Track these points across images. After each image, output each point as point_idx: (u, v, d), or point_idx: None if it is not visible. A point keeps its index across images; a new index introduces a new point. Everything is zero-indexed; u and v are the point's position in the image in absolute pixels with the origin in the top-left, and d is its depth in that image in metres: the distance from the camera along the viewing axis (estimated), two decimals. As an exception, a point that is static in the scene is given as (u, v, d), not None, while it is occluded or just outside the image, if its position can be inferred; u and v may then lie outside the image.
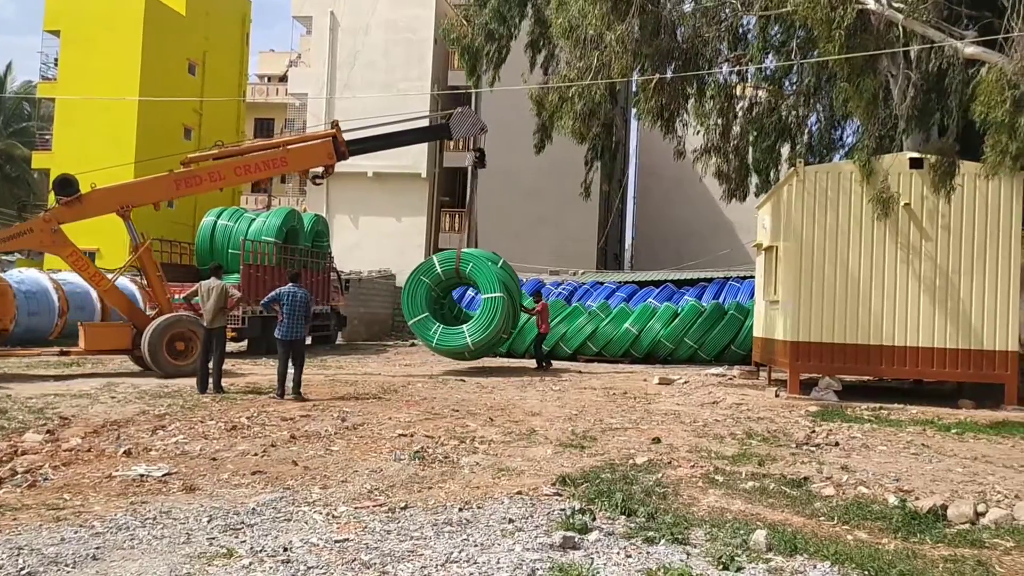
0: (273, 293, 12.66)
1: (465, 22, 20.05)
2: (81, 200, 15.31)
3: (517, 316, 19.04)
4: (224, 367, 13.20)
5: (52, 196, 16.01)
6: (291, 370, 12.34)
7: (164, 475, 7.01)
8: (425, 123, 21.14)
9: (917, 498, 6.62)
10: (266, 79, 53.27)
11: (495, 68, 20.01)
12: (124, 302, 16.30)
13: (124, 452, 7.91)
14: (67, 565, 4.69)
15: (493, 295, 17.41)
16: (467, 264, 17.99)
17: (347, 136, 17.22)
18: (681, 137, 18.05)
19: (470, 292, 23.86)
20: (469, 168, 18.26)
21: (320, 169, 17.27)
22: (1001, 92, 10.68)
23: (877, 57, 12.65)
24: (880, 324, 13.51)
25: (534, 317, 19.28)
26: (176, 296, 17.98)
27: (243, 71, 49.43)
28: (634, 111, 19.91)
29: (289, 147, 16.96)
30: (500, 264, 18.91)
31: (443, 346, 17.90)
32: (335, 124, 17.17)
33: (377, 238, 34.31)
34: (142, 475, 6.98)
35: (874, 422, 11.07)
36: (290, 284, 12.57)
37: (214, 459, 7.77)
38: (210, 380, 12.60)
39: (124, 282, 22.54)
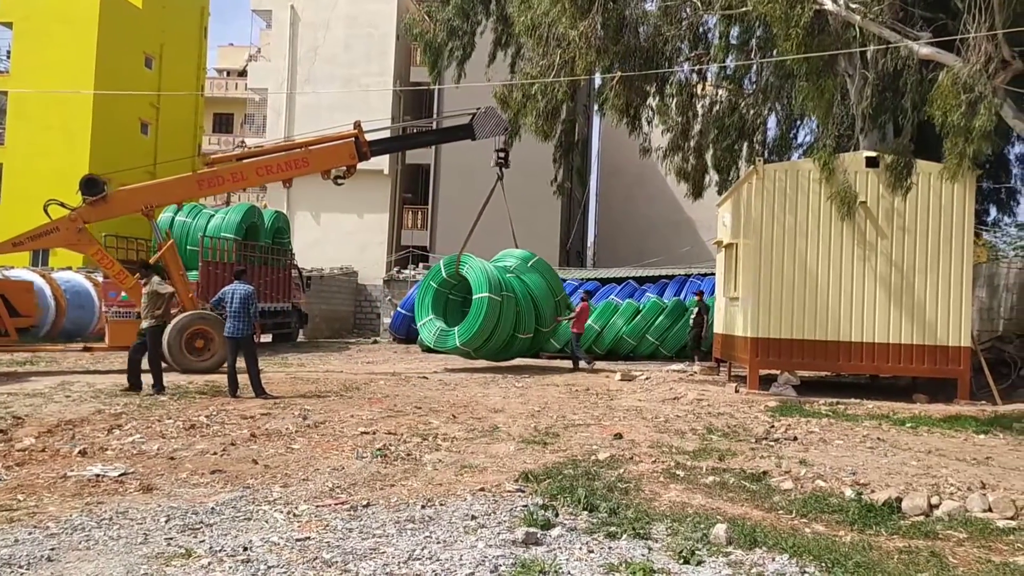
0: (219, 294, 12.65)
1: (427, 17, 19.97)
2: (106, 200, 15.67)
3: (540, 315, 18.79)
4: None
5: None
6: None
7: (120, 475, 6.89)
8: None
9: (873, 491, 6.74)
10: (225, 73, 52.60)
11: (459, 65, 19.96)
12: None
13: (79, 452, 7.77)
14: (21, 567, 4.59)
15: (480, 295, 17.36)
16: (464, 266, 18.05)
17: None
18: (647, 134, 18.16)
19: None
20: (495, 169, 18.18)
21: (342, 169, 17.26)
22: (957, 96, 10.88)
23: (835, 57, 12.83)
24: (837, 320, 13.73)
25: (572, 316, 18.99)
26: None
27: (201, 65, 48.72)
28: (596, 108, 19.99)
29: (311, 148, 17.01)
30: (531, 263, 18.96)
31: (439, 347, 18.10)
32: (357, 124, 17.20)
33: (339, 235, 34.05)
34: (98, 475, 6.86)
35: (831, 417, 11.24)
36: (235, 282, 12.51)
37: (172, 458, 7.66)
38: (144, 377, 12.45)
39: (80, 279, 22.22)
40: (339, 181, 17.52)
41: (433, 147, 33.41)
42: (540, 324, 18.86)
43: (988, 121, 10.64)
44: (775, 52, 14.48)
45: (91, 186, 15.66)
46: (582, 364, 18.38)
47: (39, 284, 21.57)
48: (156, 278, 13.23)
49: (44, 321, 21.45)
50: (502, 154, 18.18)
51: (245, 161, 16.92)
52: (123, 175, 18.45)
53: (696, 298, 20.50)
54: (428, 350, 23.17)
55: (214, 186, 16.73)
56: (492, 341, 17.69)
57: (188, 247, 21.82)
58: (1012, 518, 6.13)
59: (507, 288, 17.81)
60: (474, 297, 17.53)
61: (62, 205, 15.82)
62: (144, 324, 12.65)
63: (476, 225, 18.19)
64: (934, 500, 6.44)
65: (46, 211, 15.60)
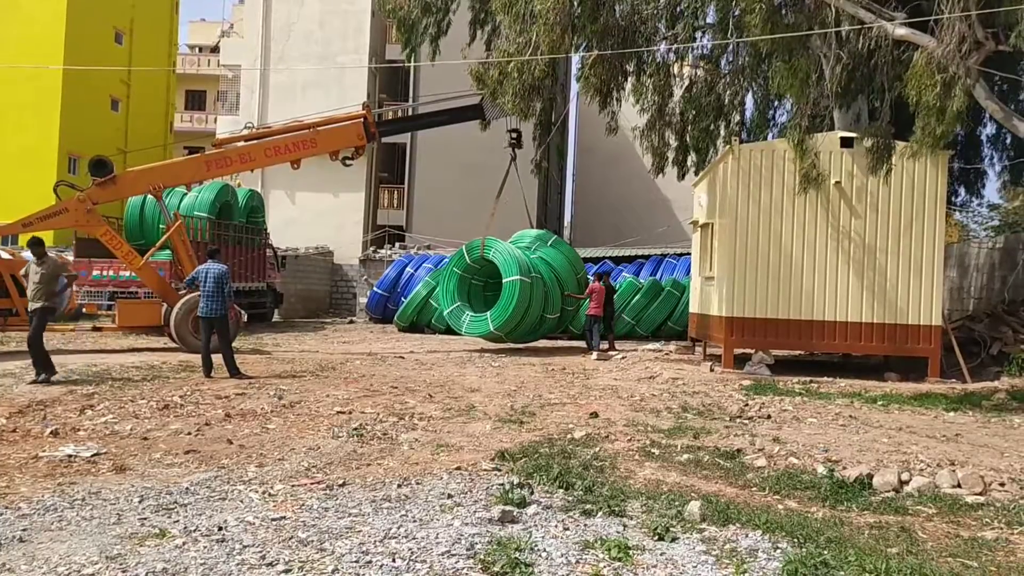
0: (192, 273, 12.62)
1: (401, -8, 19.73)
2: (115, 181, 15.87)
3: (564, 296, 18.81)
4: (164, 345, 12.87)
5: None
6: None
7: (93, 455, 6.83)
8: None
9: (844, 468, 6.82)
10: (197, 49, 51.84)
11: (433, 42, 19.76)
12: (157, 280, 16.47)
13: (51, 432, 7.68)
14: (-9, 548, 4.55)
15: (511, 279, 17.42)
16: (489, 249, 18.06)
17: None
18: (615, 112, 18.10)
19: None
20: (508, 149, 18.06)
21: (350, 150, 17.28)
22: (931, 76, 10.93)
23: (810, 37, 12.84)
24: (811, 300, 13.85)
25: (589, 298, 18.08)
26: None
27: (173, 41, 48.02)
28: (576, 87, 19.89)
29: (319, 129, 17.02)
30: (550, 243, 18.93)
31: (471, 333, 18.03)
32: (365, 106, 17.33)
33: (314, 214, 33.78)
34: (70, 455, 6.79)
35: (804, 395, 11.36)
36: (208, 261, 12.46)
37: (145, 439, 7.59)
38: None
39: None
40: (347, 162, 17.72)
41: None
42: (565, 303, 18.97)
43: (961, 102, 10.72)
44: (751, 32, 14.46)
45: (100, 167, 15.77)
46: (594, 354, 16.89)
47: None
48: (53, 256, 12.89)
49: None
50: (514, 135, 18.10)
51: (253, 142, 16.93)
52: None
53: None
54: (405, 330, 23.17)
55: (222, 167, 16.71)
56: (524, 323, 17.79)
57: (160, 226, 21.58)
58: (980, 494, 6.23)
59: (534, 269, 17.90)
60: (504, 281, 17.56)
61: (71, 187, 16.02)
62: (37, 304, 11.68)
63: (496, 208, 18.20)
64: (904, 476, 6.53)
65: (56, 192, 15.87)
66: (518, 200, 18.73)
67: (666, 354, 17.46)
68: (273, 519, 5.14)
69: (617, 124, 18.51)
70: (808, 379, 12.88)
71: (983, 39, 11.11)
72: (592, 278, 19.03)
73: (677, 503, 5.63)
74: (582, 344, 17.92)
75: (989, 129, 19.52)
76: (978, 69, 11.32)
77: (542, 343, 19.83)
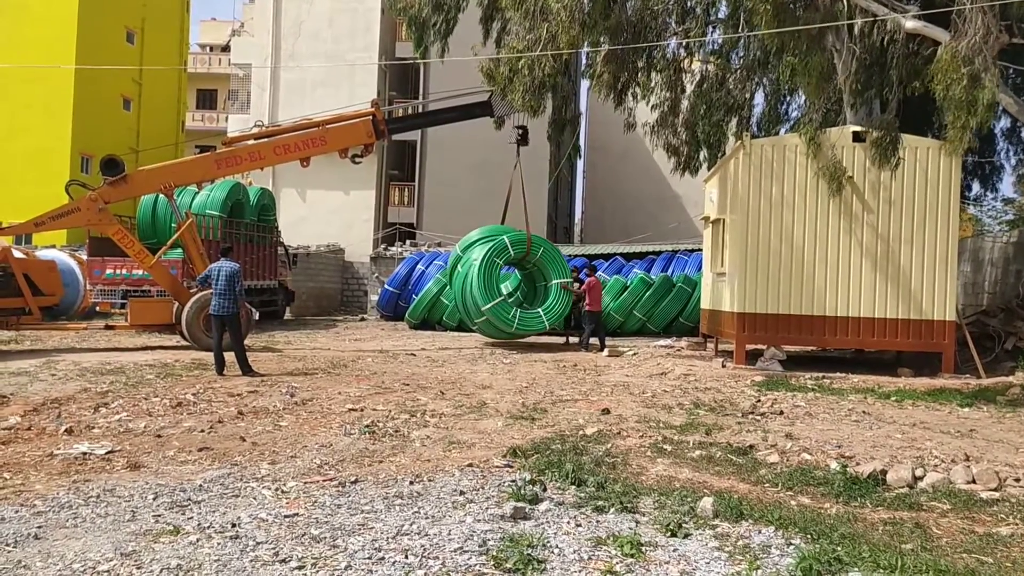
0: (204, 272, 12.73)
1: (411, -9, 19.71)
2: (126, 180, 16.00)
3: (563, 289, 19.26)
4: (177, 343, 12.93)
5: None
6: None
7: (107, 453, 6.87)
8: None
9: (858, 464, 6.79)
10: (208, 49, 52.00)
11: (443, 39, 19.75)
12: (169, 279, 16.58)
13: (65, 430, 7.73)
14: (8, 545, 4.57)
15: (559, 281, 18.05)
16: (538, 249, 18.21)
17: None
18: (631, 109, 18.07)
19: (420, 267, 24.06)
20: (515, 146, 18.16)
21: (360, 148, 17.37)
22: (957, 69, 10.86)
23: (823, 32, 12.78)
24: (824, 295, 13.79)
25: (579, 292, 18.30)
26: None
27: (184, 40, 48.17)
28: (585, 84, 19.87)
29: (328, 126, 17.08)
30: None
31: (523, 329, 17.96)
32: (374, 103, 17.33)
33: (325, 212, 33.86)
34: (84, 453, 6.83)
35: (817, 391, 11.32)
36: (221, 260, 12.53)
37: (159, 436, 7.63)
38: None
39: (64, 257, 22.02)
40: (356, 160, 17.75)
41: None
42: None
43: (991, 93, 10.65)
44: (759, 28, 14.40)
45: (111, 166, 15.89)
46: (606, 350, 16.77)
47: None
48: None
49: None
50: (521, 131, 18.13)
51: (263, 140, 17.01)
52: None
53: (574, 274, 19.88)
54: (416, 327, 23.19)
55: (232, 166, 16.78)
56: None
57: (172, 225, 21.66)
58: (995, 490, 6.19)
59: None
60: (553, 282, 18.14)
61: (83, 186, 16.16)
62: None
63: (524, 198, 18.45)
64: (918, 472, 6.50)
65: (68, 192, 16.00)
66: (530, 197, 18.76)
67: (678, 350, 17.43)
68: (286, 516, 5.16)
69: (634, 121, 18.50)
70: (820, 375, 12.83)
71: (997, 32, 11.05)
72: (585, 273, 18.96)
73: (689, 499, 5.62)
74: (594, 341, 17.86)
75: (1003, 123, 19.43)
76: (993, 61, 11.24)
77: (549, 340, 19.80)
